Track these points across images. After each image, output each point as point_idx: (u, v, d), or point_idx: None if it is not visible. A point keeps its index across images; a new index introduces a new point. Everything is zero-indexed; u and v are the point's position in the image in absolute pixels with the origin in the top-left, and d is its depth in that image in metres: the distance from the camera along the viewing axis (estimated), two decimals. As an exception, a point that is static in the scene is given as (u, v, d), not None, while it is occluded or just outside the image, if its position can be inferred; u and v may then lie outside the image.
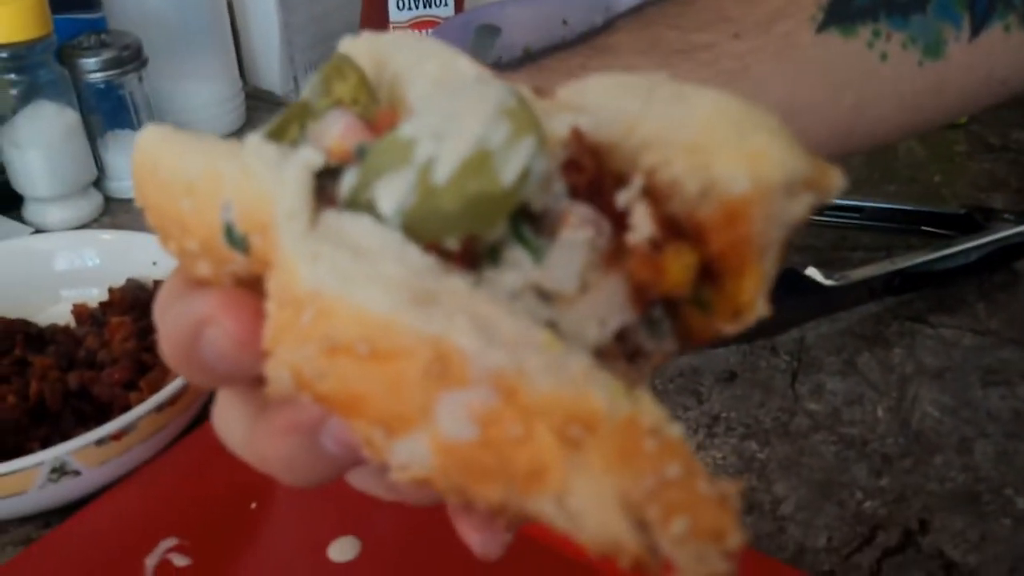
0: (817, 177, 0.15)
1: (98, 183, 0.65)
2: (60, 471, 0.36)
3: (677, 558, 0.14)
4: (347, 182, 0.16)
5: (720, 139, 0.15)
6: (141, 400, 0.40)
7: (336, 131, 0.17)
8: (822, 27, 0.32)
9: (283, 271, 0.16)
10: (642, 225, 0.15)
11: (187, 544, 0.37)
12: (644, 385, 0.16)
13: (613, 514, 0.14)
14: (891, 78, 0.33)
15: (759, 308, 0.16)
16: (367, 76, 0.18)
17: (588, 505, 0.14)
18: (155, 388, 0.41)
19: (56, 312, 0.49)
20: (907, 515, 0.39)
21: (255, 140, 0.17)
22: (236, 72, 0.77)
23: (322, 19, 0.81)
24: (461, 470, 0.15)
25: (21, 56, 0.57)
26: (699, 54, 0.31)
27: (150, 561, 0.37)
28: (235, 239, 0.17)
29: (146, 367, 0.43)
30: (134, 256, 0.49)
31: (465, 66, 0.18)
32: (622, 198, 0.16)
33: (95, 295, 0.49)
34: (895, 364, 0.48)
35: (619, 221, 0.15)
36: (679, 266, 0.15)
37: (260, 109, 0.79)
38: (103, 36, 0.63)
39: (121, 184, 0.66)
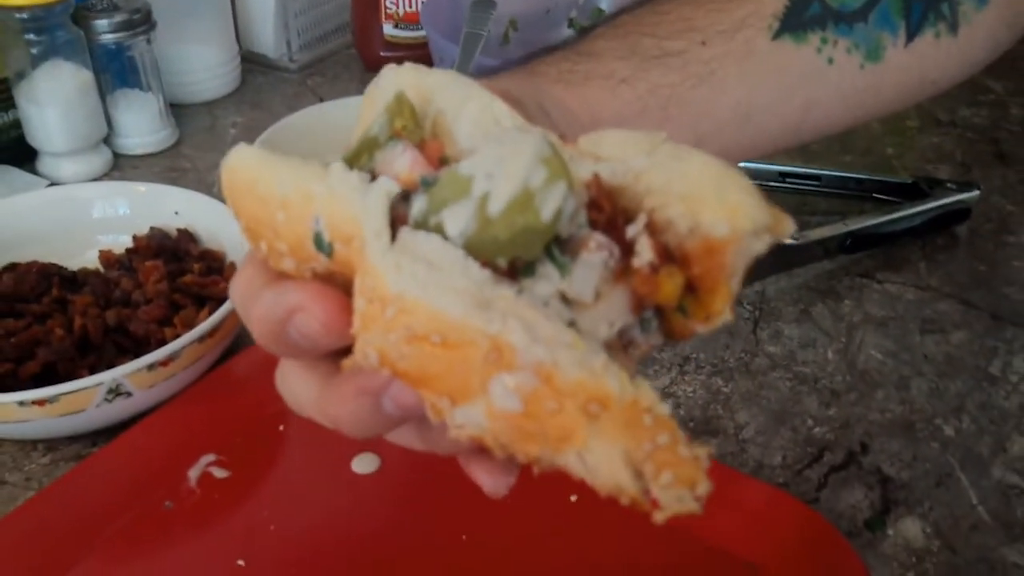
0: (775, 224, 0.20)
1: (107, 140, 0.68)
2: (115, 392, 0.40)
3: (663, 499, 0.19)
4: (417, 206, 0.21)
5: (707, 193, 0.20)
6: (176, 335, 0.45)
7: (403, 164, 0.22)
8: (777, 35, 0.36)
9: (370, 275, 0.20)
10: (644, 253, 0.20)
11: (224, 459, 0.42)
12: (635, 369, 0.21)
13: (619, 467, 0.19)
14: (836, 80, 0.37)
15: (726, 315, 0.21)
16: (417, 112, 0.23)
17: (601, 460, 0.19)
18: (188, 325, 0.46)
19: (84, 258, 0.53)
20: (851, 439, 0.45)
21: (339, 168, 0.21)
22: (233, 37, 0.80)
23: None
24: (508, 432, 0.20)
25: (40, 18, 0.60)
26: (671, 60, 0.34)
27: (193, 473, 0.42)
28: (323, 245, 0.21)
29: (177, 306, 0.48)
30: (160, 206, 0.53)
31: (500, 110, 0.23)
32: (630, 231, 0.21)
33: (124, 242, 0.53)
34: (845, 314, 0.54)
35: (626, 248, 0.21)
36: (670, 284, 0.21)
37: (255, 72, 0.82)
38: (115, 0, 0.66)
39: (128, 141, 0.69)
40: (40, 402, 0.39)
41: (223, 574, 0.38)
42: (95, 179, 0.66)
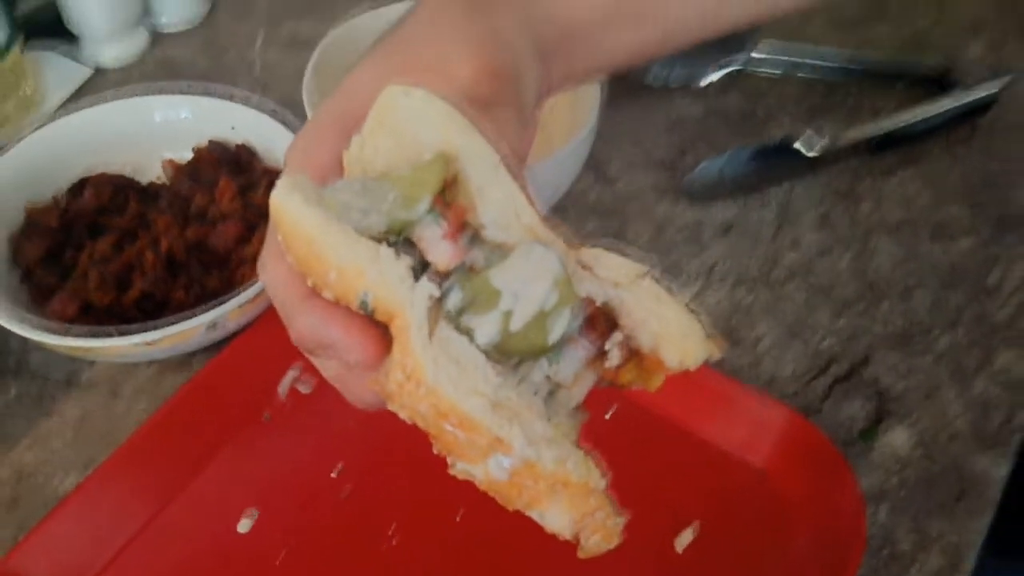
0: (711, 355, 0.27)
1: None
2: (215, 326, 0.46)
3: (587, 547, 0.27)
4: (452, 300, 0.26)
5: (672, 338, 0.27)
6: (254, 253, 0.49)
7: (442, 253, 0.27)
8: None
9: (410, 357, 0.25)
10: (615, 359, 0.28)
11: (309, 374, 0.49)
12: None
13: (566, 527, 0.27)
14: None
15: (658, 387, 0.29)
16: (445, 177, 0.27)
17: (555, 521, 0.27)
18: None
19: (150, 169, 0.56)
20: (855, 351, 0.51)
21: (389, 255, 0.26)
22: None
23: None
24: (494, 487, 0.27)
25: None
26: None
27: (282, 388, 0.49)
28: (367, 308, 0.26)
29: (252, 225, 0.52)
30: (217, 120, 0.56)
31: (521, 204, 0.27)
32: (609, 343, 0.28)
33: (185, 156, 0.56)
34: (862, 218, 0.58)
35: (602, 348, 0.28)
36: (628, 376, 0.28)
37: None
38: None
39: (161, 19, 0.70)
40: (150, 343, 0.44)
41: (321, 483, 0.46)
42: (135, 60, 0.67)
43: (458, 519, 0.44)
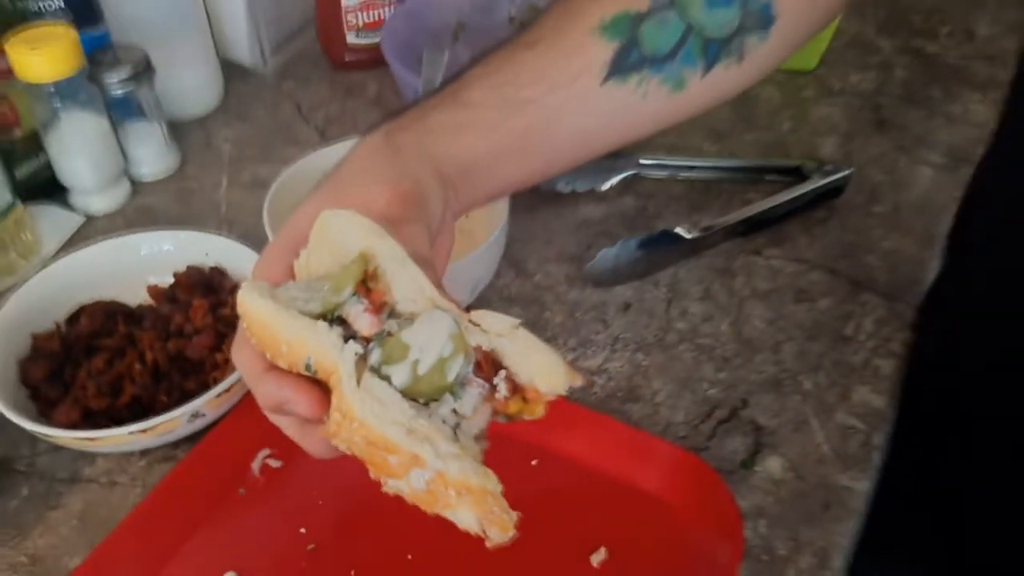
0: (572, 383, 0.37)
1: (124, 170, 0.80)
2: (195, 415, 0.55)
3: (491, 538, 0.35)
4: (374, 356, 0.36)
5: (543, 374, 0.37)
6: (225, 359, 0.59)
7: (364, 324, 0.37)
8: (605, 80, 0.47)
9: (344, 401, 0.35)
10: (502, 391, 0.37)
11: (278, 452, 0.58)
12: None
13: (473, 524, 0.35)
14: (651, 108, 0.49)
15: (540, 415, 0.38)
16: (366, 270, 0.38)
17: (463, 519, 0.35)
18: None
19: (136, 295, 0.67)
20: (735, 397, 0.61)
21: (324, 327, 0.36)
22: (214, 52, 0.90)
23: (283, 2, 0.95)
24: (417, 497, 0.36)
25: (64, 86, 0.71)
26: (528, 106, 0.46)
27: (255, 465, 0.57)
28: (310, 369, 0.37)
29: (222, 335, 0.62)
30: (193, 249, 0.67)
31: (423, 282, 0.38)
32: (496, 379, 0.37)
33: (167, 280, 0.66)
34: (737, 289, 0.69)
35: (492, 385, 0.37)
36: (515, 406, 0.37)
37: (234, 80, 0.93)
38: (117, 52, 0.77)
39: (142, 170, 0.81)
40: (144, 430, 0.53)
41: (290, 542, 0.54)
42: (119, 208, 0.78)
43: (409, 558, 0.53)
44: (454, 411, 0.37)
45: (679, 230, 0.70)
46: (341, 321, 0.38)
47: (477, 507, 0.36)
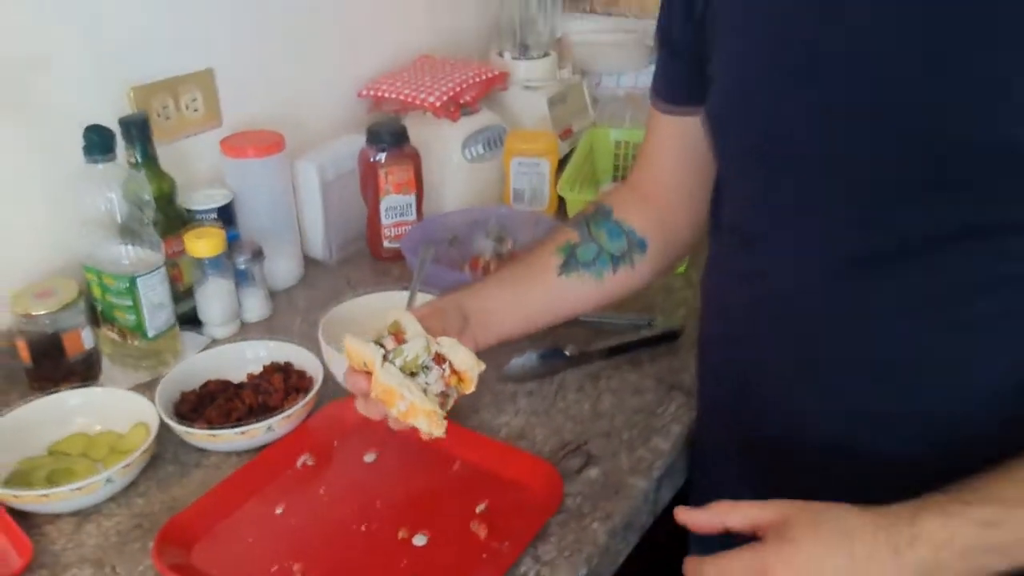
0: (482, 368, 0.84)
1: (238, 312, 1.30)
2: (269, 428, 1.00)
3: (432, 433, 0.82)
4: (391, 355, 0.83)
5: (467, 363, 0.83)
6: (288, 406, 1.04)
7: (391, 343, 0.84)
8: (559, 275, 0.96)
9: (376, 376, 0.82)
10: (447, 372, 0.82)
11: (314, 457, 1.01)
12: (444, 404, 0.84)
13: (424, 426, 0.81)
14: (585, 292, 0.97)
15: (470, 391, 0.85)
16: (395, 322, 0.86)
17: (420, 424, 0.81)
18: (294, 402, 1.05)
19: (240, 375, 1.13)
20: (581, 440, 1.03)
21: (375, 347, 0.84)
22: (300, 250, 1.43)
23: (345, 218, 1.48)
24: (401, 415, 0.82)
25: (212, 259, 1.23)
26: (519, 288, 0.96)
27: (299, 461, 1.01)
28: (365, 367, 0.84)
29: (287, 393, 1.08)
30: (277, 351, 1.14)
31: (420, 330, 0.85)
32: (444, 366, 0.83)
33: (258, 369, 1.14)
34: (598, 386, 1.12)
35: (443, 369, 0.83)
36: (454, 382, 0.82)
37: (309, 266, 1.45)
38: (243, 244, 1.29)
39: (248, 314, 1.31)
40: (242, 432, 0.98)
41: (307, 500, 0.96)
42: (233, 336, 1.27)
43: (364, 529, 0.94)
44: (425, 381, 0.82)
45: (566, 350, 1.15)
46: (380, 344, 0.84)
47: (427, 418, 0.80)
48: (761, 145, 0.76)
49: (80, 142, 1.06)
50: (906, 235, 0.69)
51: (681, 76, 0.88)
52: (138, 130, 1.16)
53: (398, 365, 0.82)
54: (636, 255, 0.98)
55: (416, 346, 0.83)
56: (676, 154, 0.94)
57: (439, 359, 0.83)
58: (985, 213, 0.65)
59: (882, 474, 0.75)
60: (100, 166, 1.07)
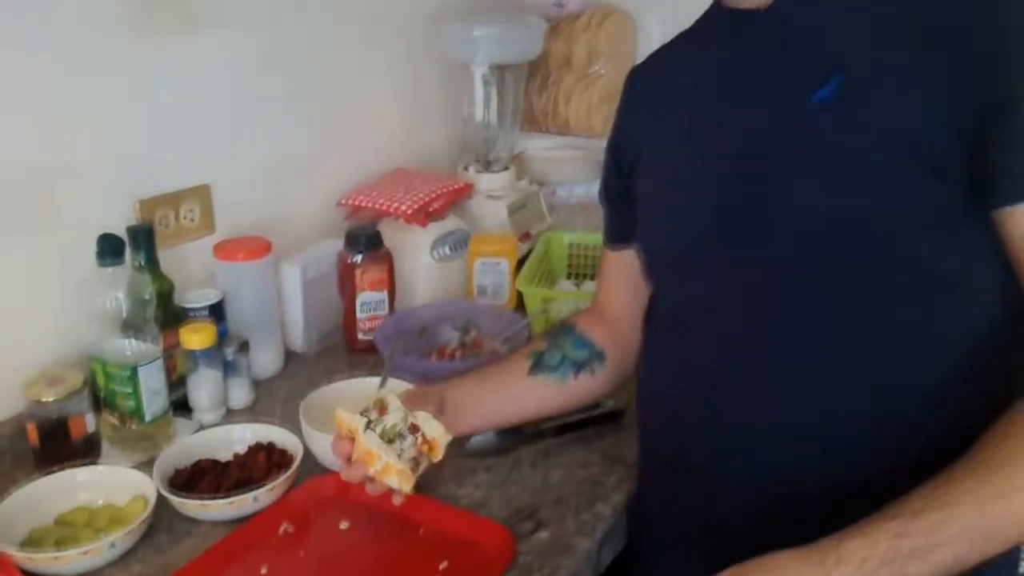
0: (451, 436, 1.03)
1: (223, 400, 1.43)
2: (255, 499, 1.12)
3: (402, 491, 1.00)
4: (374, 423, 1.01)
5: (437, 433, 1.02)
6: (270, 479, 1.17)
7: (375, 415, 1.02)
8: (528, 375, 1.15)
9: (359, 441, 0.99)
10: (419, 442, 1.01)
11: (293, 523, 1.13)
12: (415, 468, 1.02)
13: (395, 483, 0.99)
14: (551, 392, 1.15)
15: (438, 458, 1.02)
16: (379, 398, 1.03)
17: (391, 481, 1.00)
18: (276, 476, 1.18)
19: (228, 454, 1.26)
20: (533, 507, 1.16)
21: (360, 418, 1.00)
22: (282, 343, 1.57)
23: (323, 313, 1.63)
24: (377, 472, 0.99)
25: (202, 351, 1.36)
26: (489, 385, 1.15)
27: (280, 529, 1.13)
28: (349, 435, 1.01)
29: (270, 470, 1.20)
30: (259, 433, 1.27)
31: (399, 405, 1.03)
32: (417, 434, 1.01)
33: (243, 448, 1.26)
34: (550, 460, 1.26)
35: (415, 437, 1.01)
36: (426, 449, 1.01)
37: (290, 357, 1.58)
38: (231, 337, 1.43)
39: (234, 402, 1.44)
40: (230, 502, 1.10)
41: (295, 563, 1.08)
42: (221, 421, 1.40)
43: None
44: (400, 447, 0.98)
45: (522, 428, 1.29)
46: (365, 415, 1.00)
47: (398, 475, 0.97)
48: (676, 257, 0.99)
49: (93, 247, 1.22)
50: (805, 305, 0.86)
51: (619, 222, 1.12)
52: (144, 238, 1.32)
53: (378, 432, 0.99)
54: (596, 364, 1.18)
55: (395, 417, 1.00)
56: (624, 282, 1.15)
57: (414, 428, 1.00)
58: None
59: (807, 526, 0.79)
60: (110, 269, 1.22)
